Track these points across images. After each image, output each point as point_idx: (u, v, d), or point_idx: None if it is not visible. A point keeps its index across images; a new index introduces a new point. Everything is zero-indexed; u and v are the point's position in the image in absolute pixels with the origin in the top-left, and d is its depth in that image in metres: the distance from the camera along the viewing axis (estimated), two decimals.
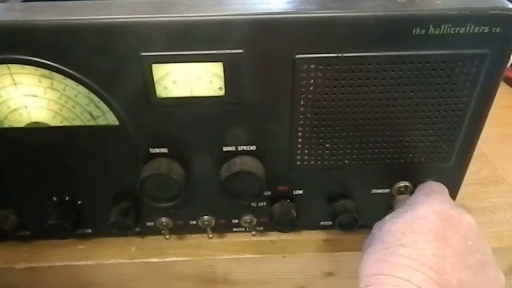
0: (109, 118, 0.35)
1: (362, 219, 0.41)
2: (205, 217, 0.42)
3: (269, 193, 0.40)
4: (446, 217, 0.33)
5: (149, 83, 0.33)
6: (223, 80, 0.33)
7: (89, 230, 0.43)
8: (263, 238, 0.45)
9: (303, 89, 0.34)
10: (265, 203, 0.42)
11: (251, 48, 0.32)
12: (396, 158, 0.38)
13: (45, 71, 0.33)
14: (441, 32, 0.31)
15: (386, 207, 0.42)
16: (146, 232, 0.44)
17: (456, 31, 0.31)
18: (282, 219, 0.40)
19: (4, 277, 0.43)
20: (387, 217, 0.35)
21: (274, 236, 0.45)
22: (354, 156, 0.38)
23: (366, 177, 0.40)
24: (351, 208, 0.40)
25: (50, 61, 0.32)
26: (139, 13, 0.31)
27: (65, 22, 0.31)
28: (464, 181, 0.42)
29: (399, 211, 0.35)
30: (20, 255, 0.43)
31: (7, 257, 0.43)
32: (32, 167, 0.38)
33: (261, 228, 0.44)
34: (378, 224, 0.36)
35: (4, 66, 0.32)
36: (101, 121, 0.36)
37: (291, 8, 0.32)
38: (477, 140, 0.38)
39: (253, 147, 0.37)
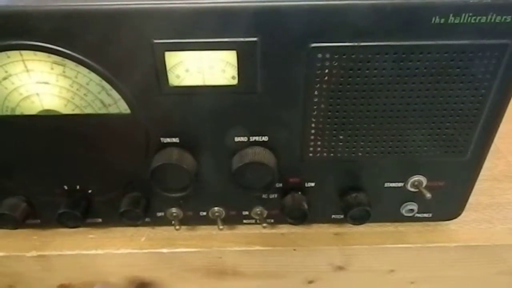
0: (121, 107, 0.35)
1: (374, 213, 0.40)
2: (216, 208, 0.42)
3: (280, 185, 0.40)
4: None
5: (161, 71, 0.33)
6: (236, 69, 0.33)
7: (99, 220, 0.43)
8: (273, 231, 0.45)
9: (317, 79, 0.33)
10: (276, 195, 0.41)
11: (265, 36, 0.31)
12: (411, 151, 0.38)
13: (58, 58, 0.32)
14: (461, 21, 0.30)
15: (399, 201, 0.42)
16: (156, 222, 0.43)
17: (477, 20, 0.30)
18: (293, 211, 0.39)
19: (15, 265, 0.44)
20: None
21: (284, 229, 0.45)
22: (368, 149, 0.37)
23: (379, 170, 0.39)
24: (363, 201, 0.39)
25: (62, 48, 0.32)
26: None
27: (78, 8, 0.31)
28: (479, 177, 0.41)
29: None
30: (31, 243, 0.44)
31: (18, 245, 0.43)
32: (43, 155, 0.38)
33: (272, 221, 0.43)
34: None
35: (17, 52, 0.32)
36: (113, 110, 0.35)
37: None
38: (494, 134, 0.37)
39: (265, 138, 0.37)
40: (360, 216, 0.40)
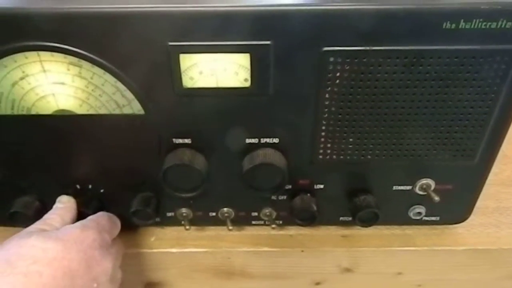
0: (135, 107, 0.36)
1: (382, 215, 0.40)
2: (225, 209, 0.42)
3: (289, 186, 0.40)
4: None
5: (175, 73, 0.33)
6: (249, 71, 0.33)
7: None
8: (281, 232, 0.45)
9: (329, 82, 0.34)
10: (285, 197, 0.41)
11: (278, 40, 0.32)
12: (419, 155, 0.38)
13: (74, 59, 0.33)
14: (472, 26, 0.31)
15: (407, 204, 0.42)
16: (165, 222, 0.44)
17: (488, 26, 0.31)
18: (302, 213, 0.40)
19: None
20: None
21: (292, 230, 0.45)
22: (377, 152, 0.38)
23: (388, 173, 0.40)
24: (372, 204, 0.39)
25: (79, 49, 0.32)
26: (167, 2, 0.31)
27: (95, 10, 0.31)
28: (486, 182, 0.42)
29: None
30: None
31: None
32: (57, 154, 0.39)
33: (280, 222, 0.44)
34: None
35: (34, 53, 0.33)
36: (127, 110, 0.36)
37: (320, 0, 0.31)
38: (503, 139, 0.38)
39: (276, 140, 0.37)
40: (368, 218, 0.40)
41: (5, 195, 0.41)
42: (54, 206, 0.40)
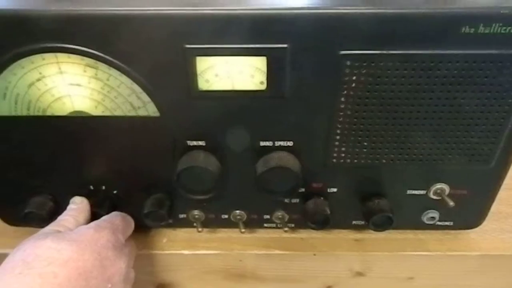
0: (149, 109, 0.36)
1: (395, 219, 0.40)
2: (237, 211, 0.42)
3: (302, 189, 0.40)
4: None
5: (192, 76, 0.33)
6: (265, 74, 0.33)
7: None
8: (293, 235, 0.45)
9: (345, 86, 0.34)
10: (297, 200, 0.41)
11: (295, 43, 0.32)
12: (435, 159, 0.38)
13: (91, 61, 0.33)
14: (491, 31, 0.31)
15: (421, 208, 0.42)
16: (177, 224, 0.44)
17: (507, 31, 0.31)
18: (315, 216, 0.40)
19: None
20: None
21: (304, 234, 0.45)
22: (392, 156, 0.38)
23: (402, 177, 0.40)
24: (386, 208, 0.39)
25: (96, 51, 0.32)
26: (184, 5, 0.31)
27: (111, 13, 0.31)
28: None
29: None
30: None
31: None
32: (71, 155, 0.39)
33: (292, 225, 0.44)
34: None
35: (52, 54, 0.33)
36: (141, 112, 0.36)
37: (337, 4, 0.31)
38: None
39: (290, 143, 0.37)
40: (382, 222, 0.40)
41: (20, 195, 0.41)
42: (68, 207, 0.40)
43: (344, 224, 0.44)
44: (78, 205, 0.40)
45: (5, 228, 0.45)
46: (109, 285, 0.34)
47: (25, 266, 0.31)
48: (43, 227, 0.42)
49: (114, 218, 0.38)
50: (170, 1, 0.32)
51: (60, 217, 0.38)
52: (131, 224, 0.41)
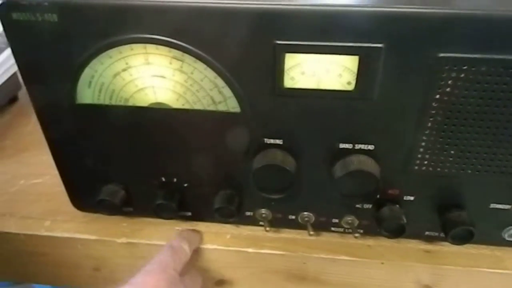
0: (229, 105, 0.35)
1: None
2: (305, 213, 0.41)
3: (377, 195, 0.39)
4: None
5: (278, 72, 0.33)
6: (354, 74, 0.32)
7: (189, 213, 0.44)
8: (359, 242, 0.44)
9: (439, 90, 0.32)
10: (370, 206, 0.40)
11: (391, 43, 0.30)
12: None
13: (178, 53, 0.33)
14: None
15: (503, 224, 0.39)
16: (243, 221, 0.44)
17: None
18: (390, 224, 0.38)
19: (104, 249, 0.45)
20: None
21: (371, 241, 0.43)
22: (479, 166, 0.36)
23: (487, 189, 0.37)
24: (467, 221, 0.37)
25: (187, 43, 0.32)
26: (278, 0, 0.31)
27: (206, 6, 0.31)
28: None
29: None
30: (121, 230, 0.45)
31: (109, 231, 0.45)
32: (147, 146, 0.39)
33: (361, 231, 0.42)
34: None
35: (141, 45, 0.33)
36: (221, 107, 0.36)
37: (438, 3, 0.30)
38: None
39: (371, 147, 0.36)
40: (462, 236, 0.38)
41: (94, 183, 0.42)
42: None
43: (415, 234, 0.42)
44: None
45: (75, 213, 0.46)
46: None
47: None
48: (113, 214, 0.42)
49: (163, 256, 0.38)
50: None
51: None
52: (186, 252, 0.40)
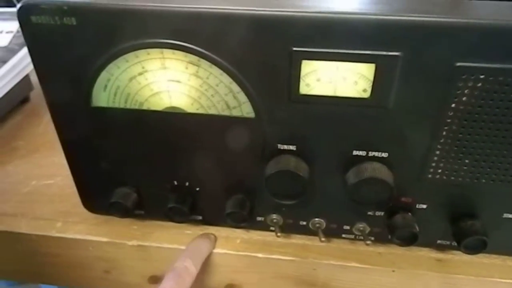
0: (244, 110, 0.35)
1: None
2: (317, 219, 0.41)
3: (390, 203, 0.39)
4: None
5: (294, 79, 0.33)
6: (370, 82, 0.32)
7: (200, 217, 0.44)
8: (370, 249, 0.43)
9: (456, 99, 0.32)
10: (382, 213, 0.40)
11: (409, 52, 0.30)
12: None
13: (194, 58, 0.33)
14: None
15: None
16: (253, 226, 0.44)
17: None
18: (403, 232, 0.38)
19: (115, 251, 0.45)
20: None
21: (381, 248, 0.43)
22: (493, 176, 0.35)
23: (501, 199, 0.37)
24: (481, 231, 0.37)
25: (203, 49, 0.32)
26: (295, 7, 0.31)
27: (220, 12, 0.31)
28: None
29: None
30: (132, 233, 0.45)
31: (120, 233, 0.45)
32: (160, 149, 0.39)
33: (372, 238, 0.42)
34: None
35: (158, 50, 0.33)
36: (236, 112, 0.36)
37: (456, 13, 0.30)
38: None
39: (385, 154, 0.36)
40: (475, 245, 0.37)
41: (107, 185, 0.42)
42: None
43: (427, 242, 0.41)
44: None
45: (86, 214, 0.46)
46: None
47: None
48: (124, 217, 0.43)
49: (167, 284, 0.37)
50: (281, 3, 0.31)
51: None
52: (190, 271, 0.39)
